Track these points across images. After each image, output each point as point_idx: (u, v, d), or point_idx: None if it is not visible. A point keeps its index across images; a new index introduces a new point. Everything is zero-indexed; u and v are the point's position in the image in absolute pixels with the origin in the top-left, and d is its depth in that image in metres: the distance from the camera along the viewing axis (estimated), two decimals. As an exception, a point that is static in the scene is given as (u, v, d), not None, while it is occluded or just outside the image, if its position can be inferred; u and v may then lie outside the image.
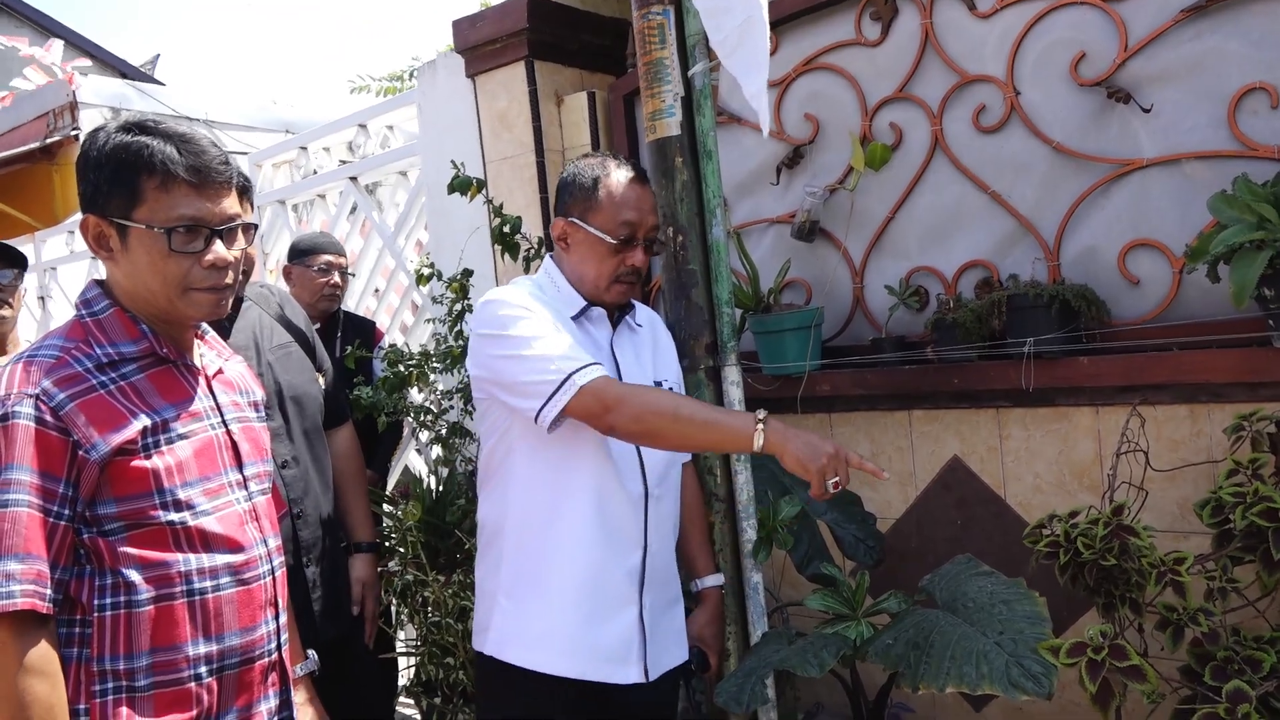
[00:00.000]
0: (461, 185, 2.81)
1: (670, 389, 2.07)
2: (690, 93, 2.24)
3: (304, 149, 4.37)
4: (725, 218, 2.23)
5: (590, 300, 1.98)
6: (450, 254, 3.43)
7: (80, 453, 1.41)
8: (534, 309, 1.87)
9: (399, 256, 3.97)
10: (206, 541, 1.51)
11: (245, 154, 5.16)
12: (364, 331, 3.55)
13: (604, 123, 3.33)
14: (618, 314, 2.05)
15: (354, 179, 4.10)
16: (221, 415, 1.61)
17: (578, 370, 1.78)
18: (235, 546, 1.54)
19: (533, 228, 3.26)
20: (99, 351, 1.49)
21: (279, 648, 1.63)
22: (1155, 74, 2.30)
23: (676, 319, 2.24)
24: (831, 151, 2.86)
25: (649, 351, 2.09)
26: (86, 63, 8.53)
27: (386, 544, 2.85)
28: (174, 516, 1.48)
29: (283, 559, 1.68)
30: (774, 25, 2.90)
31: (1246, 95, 2.19)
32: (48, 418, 1.41)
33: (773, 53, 2.92)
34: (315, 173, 4.37)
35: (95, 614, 1.44)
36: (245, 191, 1.86)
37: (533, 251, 2.95)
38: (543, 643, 1.92)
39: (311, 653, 1.89)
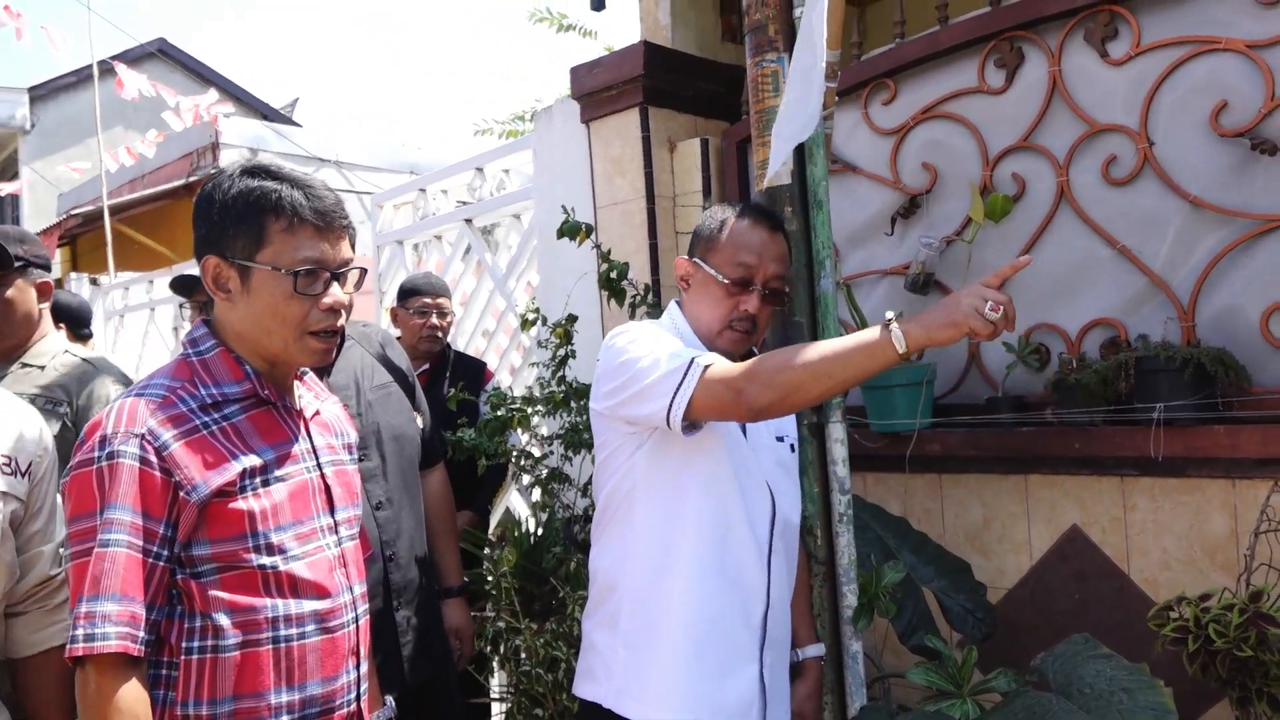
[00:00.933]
0: (570, 230, 2.82)
1: (792, 445, 2.01)
2: (803, 141, 2.18)
3: (423, 191, 4.48)
4: (834, 269, 2.17)
5: (707, 345, 1.94)
6: (559, 297, 3.44)
7: (181, 494, 1.43)
8: (651, 331, 1.84)
9: (509, 298, 4.01)
10: (295, 587, 1.51)
11: (371, 194, 5.32)
12: (473, 372, 3.58)
13: (716, 169, 3.30)
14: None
15: (469, 221, 4.17)
16: (317, 458, 1.61)
17: (697, 356, 1.72)
18: (323, 593, 1.54)
19: (641, 274, 3.24)
20: (203, 392, 1.52)
21: (359, 698, 1.62)
22: (1305, 125, 2.15)
23: (781, 372, 2.17)
24: (949, 202, 2.77)
25: None
26: (230, 107, 8.97)
27: (484, 587, 2.84)
28: (265, 560, 1.48)
29: (367, 606, 1.67)
30: (892, 74, 2.85)
31: None
32: (152, 458, 1.42)
33: (890, 101, 2.88)
34: (433, 214, 4.47)
35: (182, 656, 1.45)
36: (353, 236, 1.90)
37: (639, 298, 2.93)
38: (665, 699, 1.86)
39: (390, 699, 1.88)
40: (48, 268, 2.39)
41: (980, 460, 2.61)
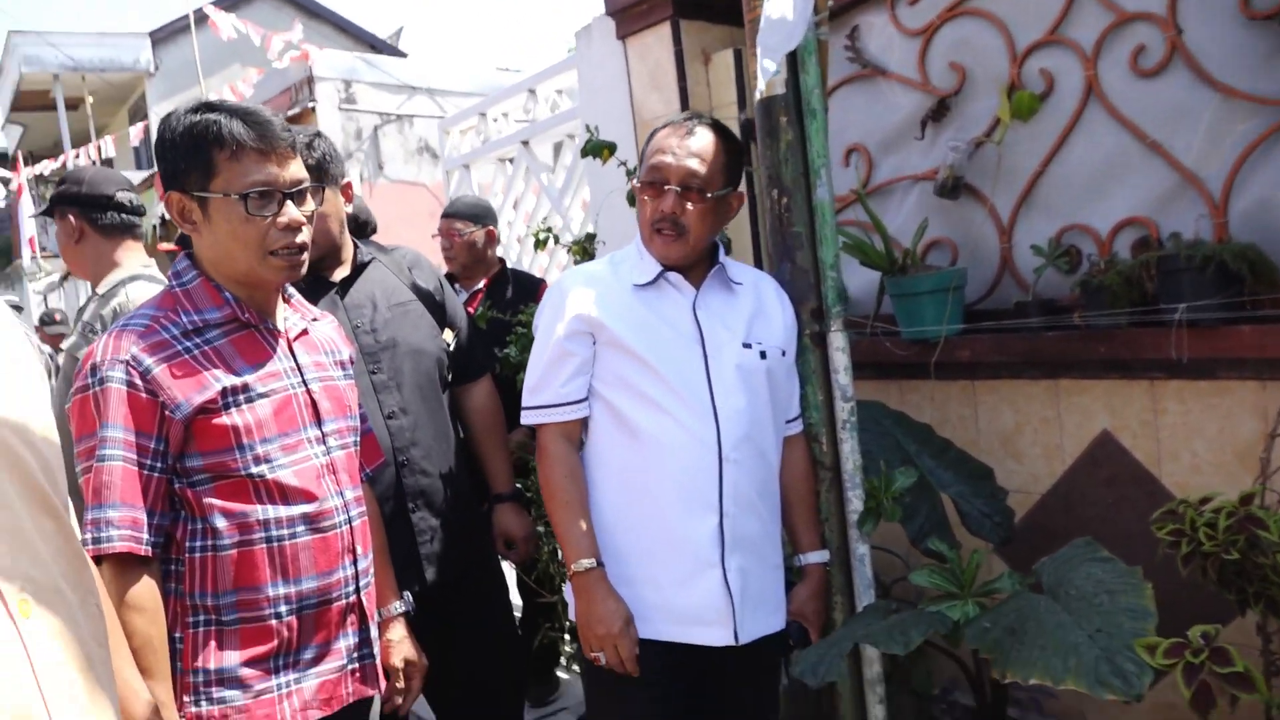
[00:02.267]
0: (594, 149, 2.85)
1: (763, 352, 2.03)
2: (795, 49, 2.16)
3: (483, 115, 4.55)
4: (830, 178, 2.15)
5: (647, 252, 2.02)
6: (605, 214, 3.49)
7: (166, 412, 1.58)
8: (555, 325, 2.02)
9: (565, 216, 4.07)
10: (284, 493, 1.64)
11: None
12: (531, 289, 3.67)
13: (751, 81, 3.26)
14: (708, 272, 2.04)
15: (525, 143, 4.23)
16: (302, 375, 1.73)
17: (546, 408, 2.02)
18: (310, 498, 1.67)
19: (679, 189, 3.25)
20: (185, 319, 1.65)
21: (358, 591, 1.76)
22: (1341, 1, 2.01)
23: (781, 282, 2.19)
24: (978, 102, 2.68)
25: (745, 313, 2.06)
26: (315, 41, 9.20)
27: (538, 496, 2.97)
28: (254, 470, 1.62)
29: (362, 509, 1.80)
30: (918, -30, 2.75)
31: None
32: (137, 381, 1.57)
33: (914, 1, 2.78)
34: (493, 138, 4.54)
35: (187, 555, 1.61)
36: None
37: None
38: (632, 607, 1.96)
39: (407, 594, 2.02)
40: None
41: (1010, 366, 2.57)
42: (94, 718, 1.10)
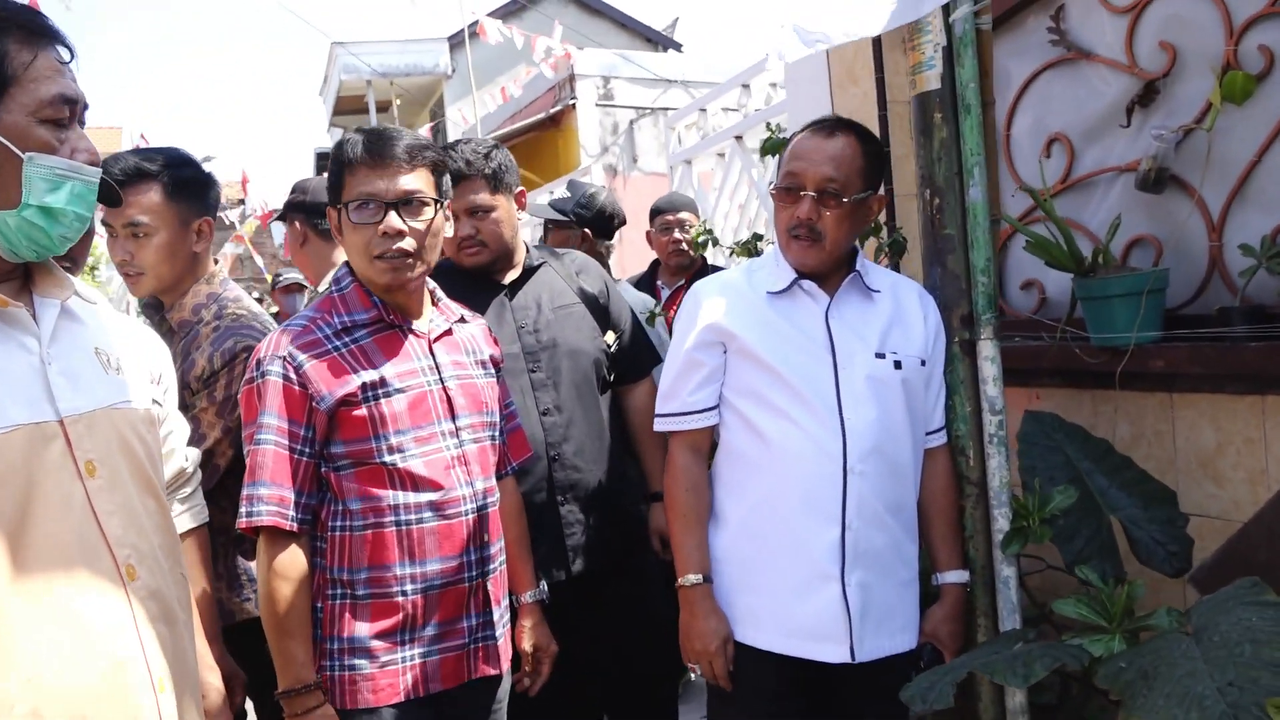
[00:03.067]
0: (771, 148, 2.84)
1: (898, 362, 1.97)
2: (951, 41, 2.06)
3: (703, 110, 4.61)
4: (984, 178, 2.03)
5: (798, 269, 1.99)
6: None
7: (313, 403, 1.77)
8: (687, 334, 2.07)
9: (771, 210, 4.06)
10: (414, 481, 1.80)
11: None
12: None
13: (991, 58, 3.09)
14: (843, 279, 2.00)
15: (739, 138, 4.25)
16: (439, 373, 1.89)
17: (675, 415, 2.08)
18: (437, 487, 1.82)
19: (871, 184, 3.16)
20: (336, 320, 1.84)
21: (483, 575, 1.89)
22: None
23: (932, 287, 2.10)
24: (1190, 83, 2.42)
25: (881, 321, 2.01)
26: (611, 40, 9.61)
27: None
28: (387, 458, 1.79)
29: (494, 499, 1.93)
30: (1125, -59, 2.52)
31: None
32: (291, 375, 1.78)
33: (1124, -27, 2.55)
34: (712, 132, 4.60)
35: (328, 533, 1.81)
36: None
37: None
38: (751, 617, 1.97)
39: (543, 584, 2.14)
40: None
41: (1210, 378, 2.31)
42: (179, 666, 1.30)
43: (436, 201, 1.87)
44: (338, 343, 1.83)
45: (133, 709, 1.23)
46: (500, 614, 1.96)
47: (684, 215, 3.56)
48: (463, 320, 2.03)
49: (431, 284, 1.98)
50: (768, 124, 2.92)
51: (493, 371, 2.04)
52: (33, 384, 1.24)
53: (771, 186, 2.06)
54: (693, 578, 1.98)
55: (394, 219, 1.81)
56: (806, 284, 1.99)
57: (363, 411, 1.79)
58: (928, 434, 2.07)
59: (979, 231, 2.04)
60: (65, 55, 1.27)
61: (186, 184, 2.31)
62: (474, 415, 1.93)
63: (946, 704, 1.76)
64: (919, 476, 2.04)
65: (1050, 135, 2.81)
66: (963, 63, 2.03)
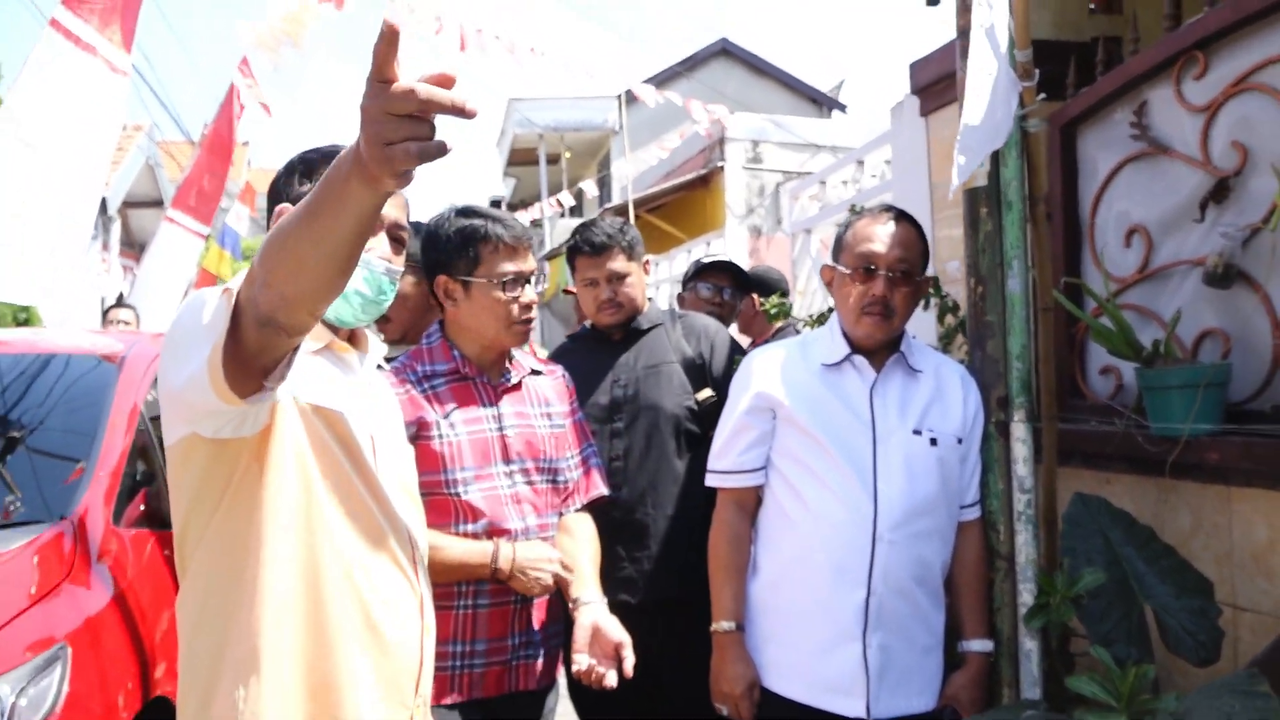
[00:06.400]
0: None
1: (934, 440, 2.11)
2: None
3: (823, 183, 4.80)
4: (1023, 270, 2.16)
5: (853, 345, 2.15)
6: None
7: None
8: (740, 399, 2.26)
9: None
10: (473, 513, 2.07)
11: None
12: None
13: (1044, 158, 3.20)
14: (889, 357, 2.16)
15: (853, 209, 4.42)
16: (500, 421, 2.16)
17: (724, 473, 2.27)
18: (493, 518, 2.08)
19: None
20: (421, 368, 2.15)
21: (526, 601, 2.12)
22: None
23: (973, 369, 2.24)
24: (1261, 181, 2.47)
25: (922, 400, 2.15)
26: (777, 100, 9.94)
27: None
28: (450, 490, 2.06)
29: (547, 534, 2.17)
30: (1200, 45, 2.61)
31: None
32: None
33: (1200, 75, 2.65)
34: (830, 204, 4.78)
35: None
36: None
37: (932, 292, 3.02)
38: (776, 667, 2.14)
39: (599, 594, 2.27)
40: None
41: (1263, 474, 2.34)
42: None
43: (542, 275, 2.20)
44: (421, 386, 2.14)
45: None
46: (544, 635, 2.19)
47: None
48: (537, 373, 2.30)
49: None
50: (851, 207, 3.09)
51: (561, 423, 2.30)
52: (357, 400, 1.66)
53: (838, 267, 2.21)
54: (725, 625, 2.16)
55: (530, 293, 2.15)
56: (858, 360, 2.16)
57: (433, 446, 2.08)
58: (964, 507, 2.19)
59: (1015, 319, 2.16)
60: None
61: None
62: (529, 460, 2.19)
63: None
64: (950, 548, 2.16)
65: (1130, 226, 2.88)
66: (1006, 162, 2.17)
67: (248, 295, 1.30)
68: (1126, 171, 2.88)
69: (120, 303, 6.36)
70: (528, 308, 2.13)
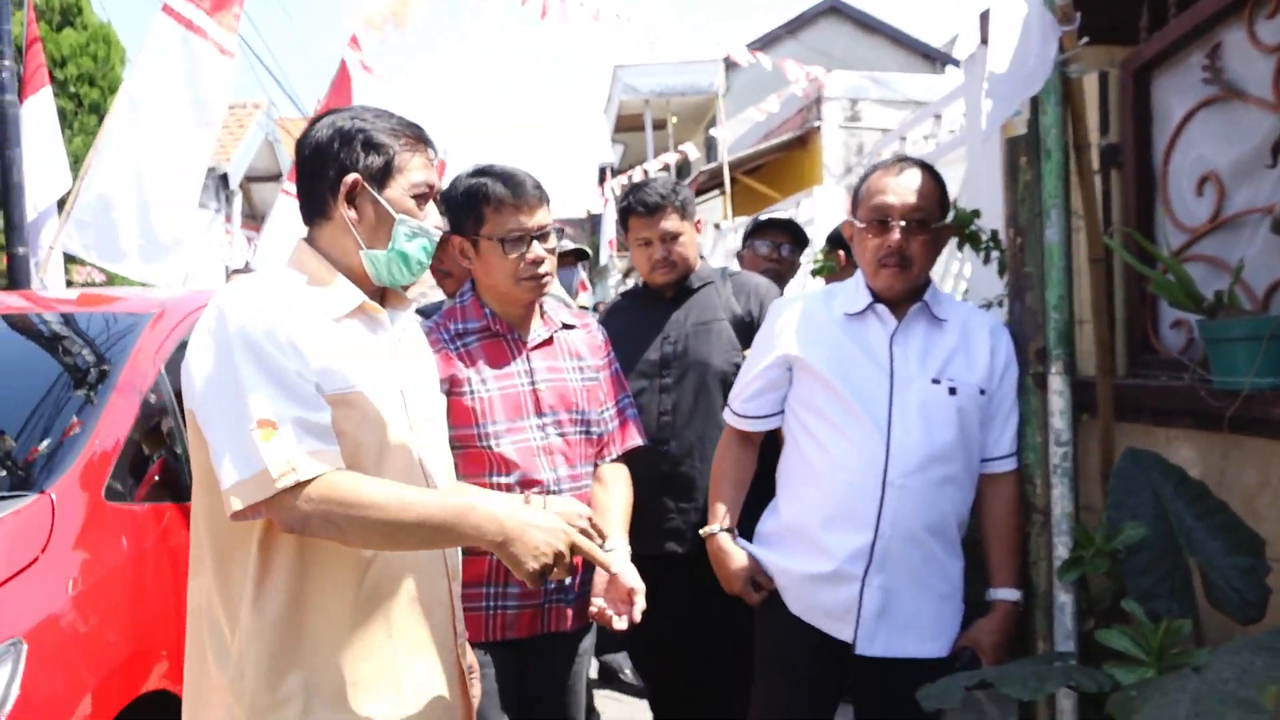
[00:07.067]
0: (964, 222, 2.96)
1: (953, 389, 2.10)
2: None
3: (903, 139, 4.71)
4: (1061, 220, 2.12)
5: (875, 294, 2.16)
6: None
7: None
8: (760, 347, 2.35)
9: (955, 241, 4.13)
10: (506, 464, 2.16)
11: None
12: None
13: (1117, 104, 3.09)
14: (912, 307, 2.16)
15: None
16: (532, 376, 2.24)
17: (735, 415, 2.39)
18: (525, 469, 2.17)
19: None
20: (453, 326, 2.24)
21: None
22: None
23: (1013, 321, 2.21)
24: (1335, 126, 2.35)
25: (945, 349, 2.15)
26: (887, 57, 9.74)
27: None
28: (482, 444, 2.16)
29: (579, 483, 2.25)
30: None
31: None
32: None
33: (1272, 15, 2.52)
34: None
35: None
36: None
37: (989, 245, 2.96)
38: (781, 590, 2.21)
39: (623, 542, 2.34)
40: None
41: (1323, 430, 2.24)
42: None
43: (560, 230, 2.26)
44: (454, 344, 2.24)
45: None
46: (578, 581, 2.27)
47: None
48: (569, 327, 2.37)
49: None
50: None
51: (594, 375, 2.37)
52: (387, 359, 1.74)
53: (847, 222, 2.24)
54: (713, 528, 2.31)
55: (538, 248, 2.21)
56: (880, 308, 2.16)
57: (466, 401, 2.17)
58: (997, 459, 2.18)
59: (1054, 271, 2.12)
60: (434, 155, 1.78)
61: None
62: (561, 413, 2.26)
63: (953, 705, 1.89)
64: (969, 499, 2.16)
65: (1203, 174, 2.77)
66: (1045, 110, 2.12)
67: (304, 515, 1.53)
68: (1200, 117, 2.76)
69: (245, 268, 6.76)
70: (535, 262, 2.18)
